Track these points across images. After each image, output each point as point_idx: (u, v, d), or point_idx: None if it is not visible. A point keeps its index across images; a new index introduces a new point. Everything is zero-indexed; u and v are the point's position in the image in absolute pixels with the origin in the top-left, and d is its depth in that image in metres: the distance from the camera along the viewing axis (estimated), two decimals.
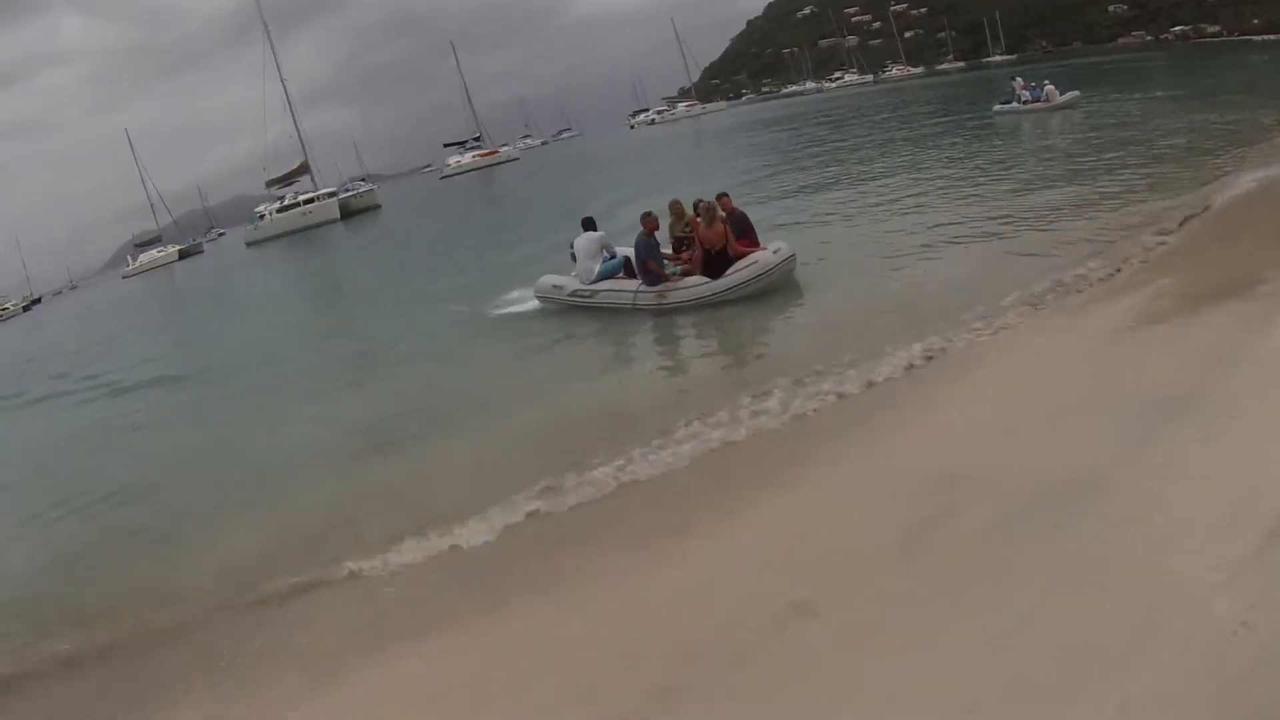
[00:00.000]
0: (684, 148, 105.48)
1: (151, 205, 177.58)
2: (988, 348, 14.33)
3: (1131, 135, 37.79)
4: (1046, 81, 58.79)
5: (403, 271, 45.75)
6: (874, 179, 37.67)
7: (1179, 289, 15.08)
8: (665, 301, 20.85)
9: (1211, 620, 6.66)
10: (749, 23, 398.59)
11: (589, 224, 23.41)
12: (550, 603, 9.31)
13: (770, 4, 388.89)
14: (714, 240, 20.63)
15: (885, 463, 11.00)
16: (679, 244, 21.72)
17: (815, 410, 13.01)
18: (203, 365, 30.57)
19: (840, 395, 13.30)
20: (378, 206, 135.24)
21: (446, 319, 26.36)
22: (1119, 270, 17.03)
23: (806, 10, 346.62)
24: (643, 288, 21.24)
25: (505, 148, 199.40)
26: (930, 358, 14.12)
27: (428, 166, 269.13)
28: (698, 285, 20.58)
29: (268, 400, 22.19)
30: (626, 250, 22.32)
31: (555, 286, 23.33)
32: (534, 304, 23.99)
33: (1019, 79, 61.21)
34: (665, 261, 21.41)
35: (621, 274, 22.35)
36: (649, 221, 20.97)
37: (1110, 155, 32.16)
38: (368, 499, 13.73)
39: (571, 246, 23.06)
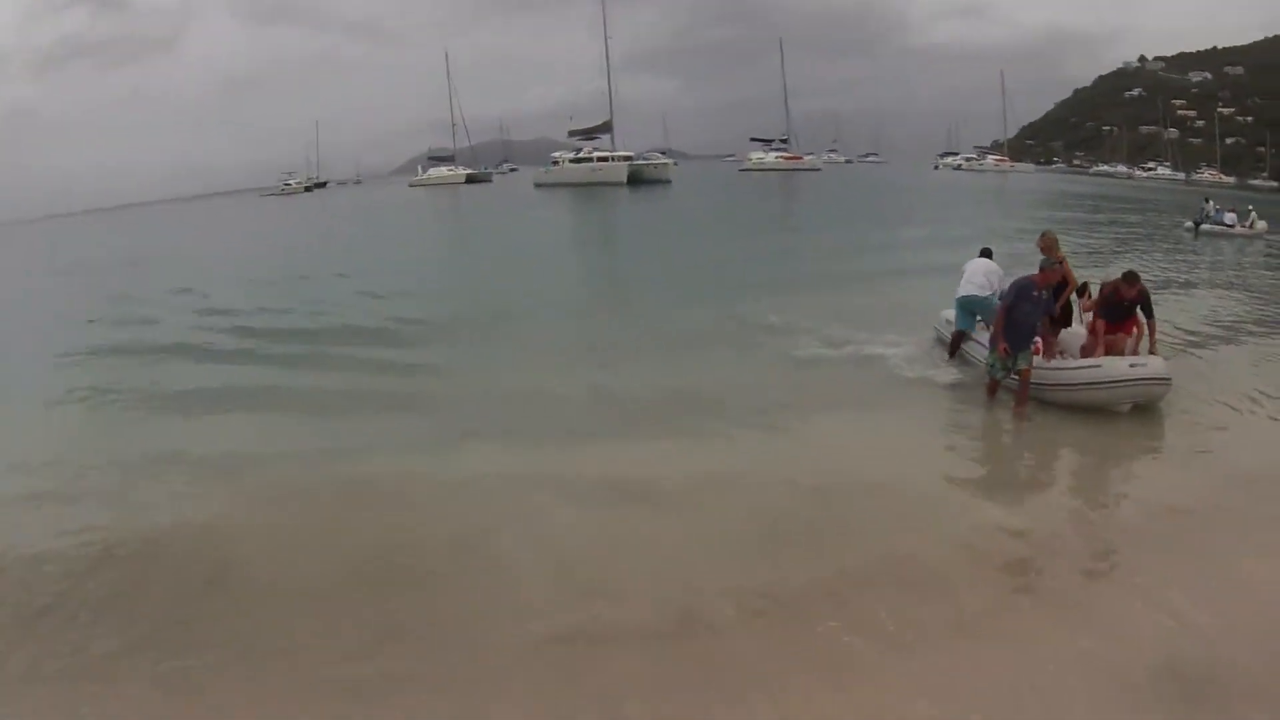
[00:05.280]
0: (980, 202, 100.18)
1: (454, 126, 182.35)
2: None
3: None
4: (1251, 209, 57.83)
5: (691, 258, 44.97)
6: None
7: None
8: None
9: None
10: (1075, 91, 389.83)
11: (985, 253, 20.99)
12: None
13: (1100, 77, 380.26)
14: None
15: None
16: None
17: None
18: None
19: None
20: (668, 181, 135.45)
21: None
22: None
23: (1135, 92, 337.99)
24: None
25: (810, 156, 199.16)
26: None
27: (730, 156, 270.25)
28: (1048, 370, 17.11)
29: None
30: None
31: (947, 321, 21.15)
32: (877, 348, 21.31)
33: (1210, 202, 61.12)
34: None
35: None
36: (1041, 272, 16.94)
37: None
38: None
39: (963, 271, 20.57)
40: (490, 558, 11.07)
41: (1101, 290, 18.25)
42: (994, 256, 20.99)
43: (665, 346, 22.38)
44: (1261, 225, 56.01)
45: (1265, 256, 46.47)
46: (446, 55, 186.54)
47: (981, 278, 20.03)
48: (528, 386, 18.71)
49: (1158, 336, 18.04)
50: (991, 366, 17.25)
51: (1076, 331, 18.83)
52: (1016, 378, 17.02)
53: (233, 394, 18.98)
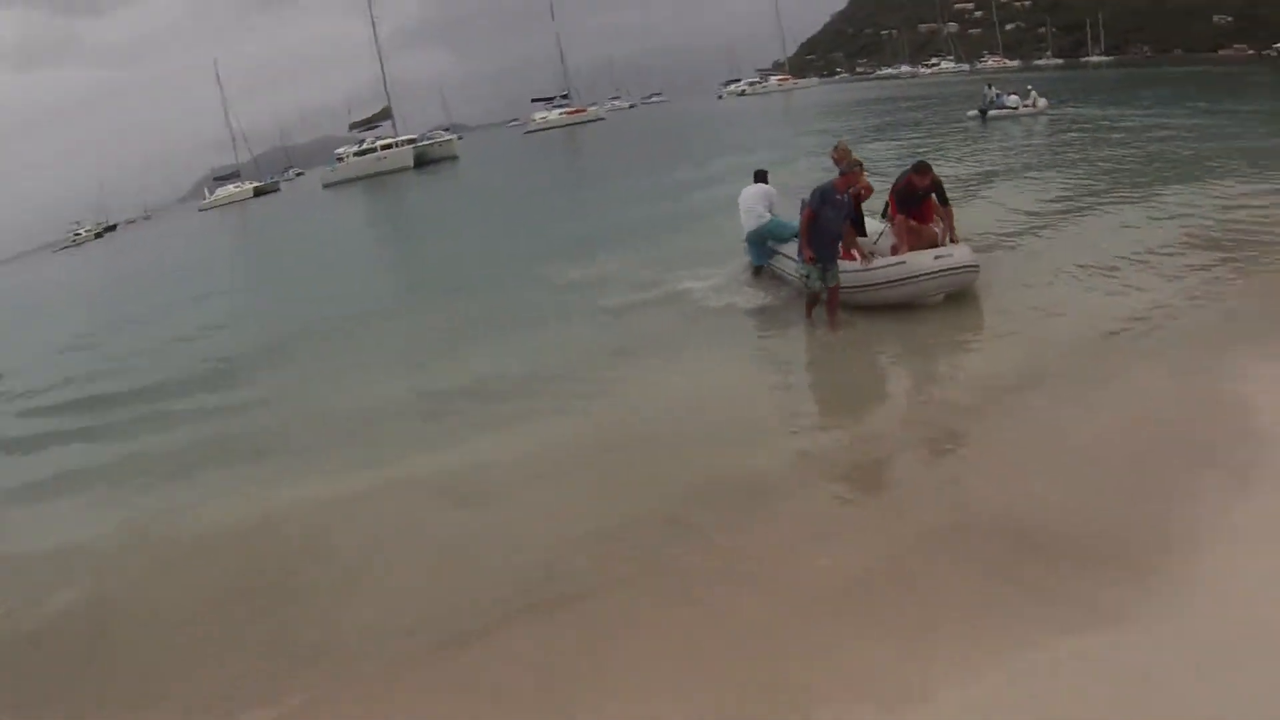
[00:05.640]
0: (769, 123, 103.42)
1: (234, 141, 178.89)
2: None
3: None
4: (1030, 88, 61.86)
5: (484, 231, 44.71)
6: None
7: None
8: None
9: None
10: (851, 1, 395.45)
11: (760, 176, 21.10)
12: None
13: None
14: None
15: None
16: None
17: None
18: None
19: None
20: (455, 158, 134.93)
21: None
22: None
23: None
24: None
25: (593, 107, 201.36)
26: None
27: (513, 120, 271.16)
28: (855, 273, 16.93)
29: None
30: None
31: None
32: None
33: (991, 87, 64.31)
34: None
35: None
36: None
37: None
38: None
39: (739, 203, 20.80)
40: (353, 579, 10.78)
41: (895, 185, 18.25)
42: (770, 179, 21.22)
43: (475, 332, 21.99)
44: (1042, 102, 59.77)
45: (1050, 132, 49.40)
46: (216, 68, 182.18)
47: (760, 206, 20.17)
48: (353, 403, 18.03)
49: (955, 224, 18.03)
50: (808, 278, 16.73)
51: (880, 228, 18.90)
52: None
53: (56, 481, 17.32)
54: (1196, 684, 6.49)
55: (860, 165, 17.12)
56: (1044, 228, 22.58)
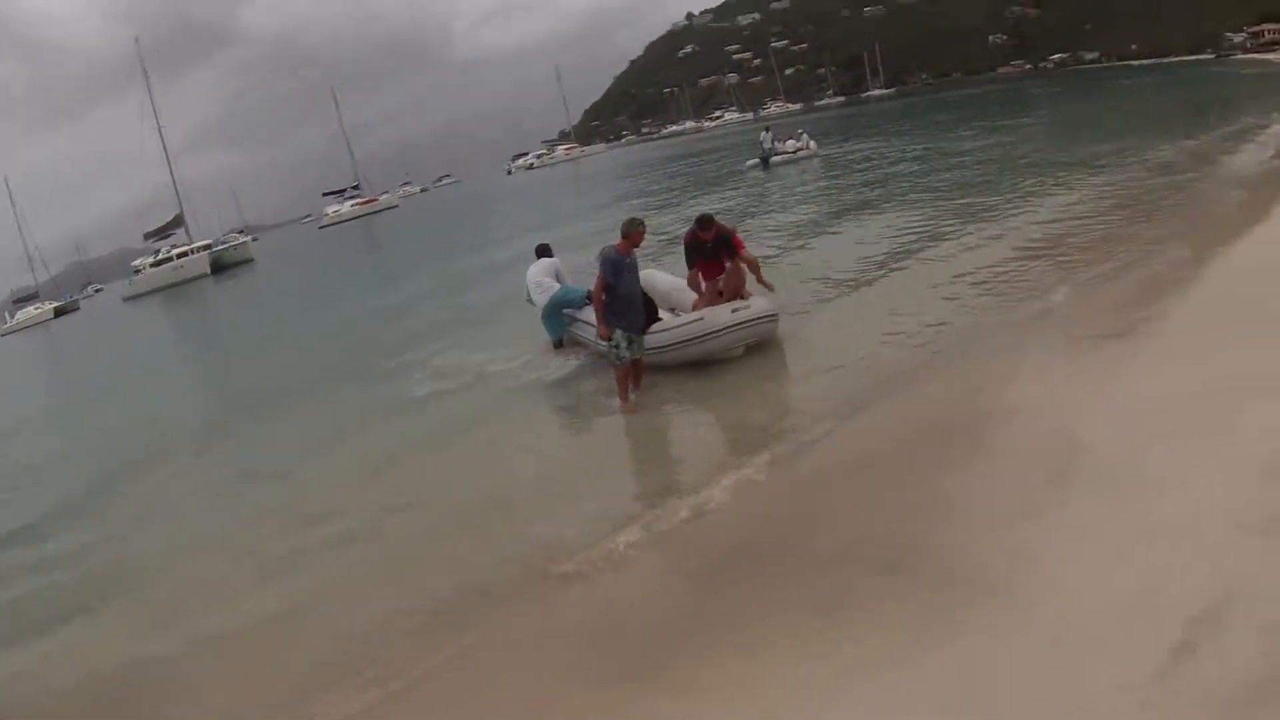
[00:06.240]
0: (559, 193, 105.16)
1: (30, 260, 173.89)
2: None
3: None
4: (802, 131, 65.06)
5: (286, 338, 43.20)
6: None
7: None
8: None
9: None
10: (631, 63, 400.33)
11: (543, 250, 21.63)
12: None
13: (651, 44, 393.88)
14: None
15: None
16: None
17: None
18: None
19: None
20: (251, 260, 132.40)
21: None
22: None
23: (688, 49, 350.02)
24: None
25: (385, 195, 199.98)
26: None
27: (307, 216, 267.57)
28: (653, 335, 16.85)
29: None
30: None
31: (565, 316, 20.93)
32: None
33: (768, 131, 65.43)
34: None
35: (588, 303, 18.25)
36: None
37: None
38: None
39: (526, 282, 21.07)
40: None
41: (684, 243, 18.42)
42: (555, 251, 21.79)
43: (282, 445, 21.06)
44: (813, 145, 62.08)
45: (831, 174, 51.79)
46: (7, 183, 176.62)
47: (548, 279, 20.54)
48: (167, 544, 16.65)
49: (747, 273, 18.17)
50: (617, 348, 16.19)
51: (682, 286, 19.03)
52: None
53: None
54: (1049, 682, 6.51)
55: (641, 224, 16.61)
56: (841, 269, 23.13)
